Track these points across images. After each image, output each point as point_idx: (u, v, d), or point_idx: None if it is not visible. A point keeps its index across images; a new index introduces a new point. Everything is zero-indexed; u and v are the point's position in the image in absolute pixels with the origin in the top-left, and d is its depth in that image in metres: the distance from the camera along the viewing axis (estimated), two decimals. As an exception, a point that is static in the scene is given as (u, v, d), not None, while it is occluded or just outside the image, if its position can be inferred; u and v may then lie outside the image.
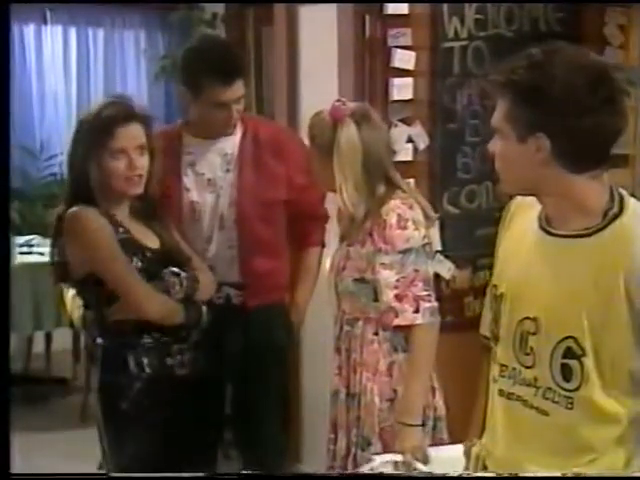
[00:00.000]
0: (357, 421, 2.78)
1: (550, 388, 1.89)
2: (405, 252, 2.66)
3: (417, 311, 2.66)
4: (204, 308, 2.88)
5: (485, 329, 2.14)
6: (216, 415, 3.24)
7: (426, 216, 2.76)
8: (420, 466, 2.53)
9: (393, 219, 2.67)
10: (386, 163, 2.80)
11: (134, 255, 2.74)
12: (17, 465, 2.33)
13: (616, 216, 1.86)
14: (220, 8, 5.89)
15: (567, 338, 1.85)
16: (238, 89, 3.06)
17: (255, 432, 3.27)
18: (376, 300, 2.73)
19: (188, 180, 3.14)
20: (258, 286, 3.17)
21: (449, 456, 2.48)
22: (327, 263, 3.32)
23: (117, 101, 2.83)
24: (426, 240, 2.72)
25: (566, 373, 1.87)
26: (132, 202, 2.84)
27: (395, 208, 2.69)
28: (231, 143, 3.15)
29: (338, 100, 2.87)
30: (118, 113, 2.75)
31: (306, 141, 2.96)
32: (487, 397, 2.10)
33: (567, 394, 1.87)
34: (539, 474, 1.91)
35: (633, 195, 1.94)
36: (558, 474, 1.90)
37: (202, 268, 2.95)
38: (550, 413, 1.90)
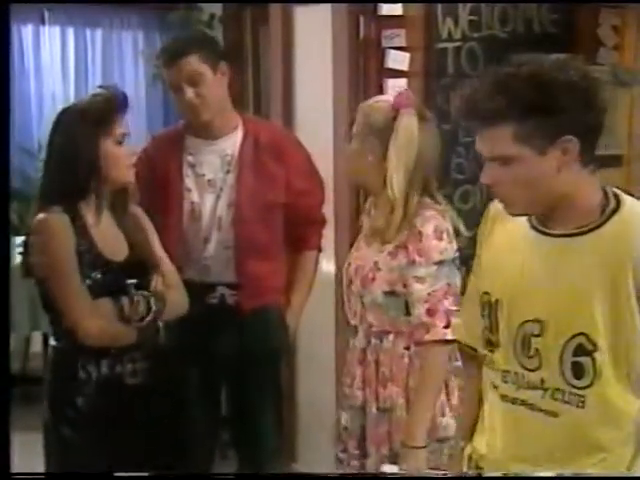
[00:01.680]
0: (388, 436, 2.69)
1: (559, 389, 1.89)
2: (439, 264, 2.59)
3: (447, 326, 2.56)
4: (160, 325, 2.76)
5: (469, 337, 2.14)
6: (195, 419, 3.20)
7: (456, 231, 2.68)
8: None
9: (430, 230, 2.59)
10: (431, 169, 2.72)
11: (94, 269, 2.68)
12: (17, 465, 2.33)
13: (614, 211, 1.88)
14: (218, 9, 5.89)
15: (577, 335, 1.86)
16: (182, 68, 3.04)
17: (250, 432, 3.28)
18: (408, 314, 2.64)
19: (189, 180, 3.16)
20: (253, 288, 3.17)
21: None
22: (325, 266, 3.31)
23: (112, 91, 2.80)
24: (457, 253, 2.65)
25: (577, 371, 1.87)
26: (112, 198, 2.78)
27: (431, 218, 2.62)
28: (232, 144, 3.17)
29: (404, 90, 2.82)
30: (119, 100, 2.75)
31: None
32: (477, 402, 2.12)
33: (578, 392, 1.88)
34: (538, 474, 1.92)
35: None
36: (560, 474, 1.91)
37: (174, 284, 2.86)
38: (560, 414, 1.90)
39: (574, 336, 1.86)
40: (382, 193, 2.67)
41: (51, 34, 6.71)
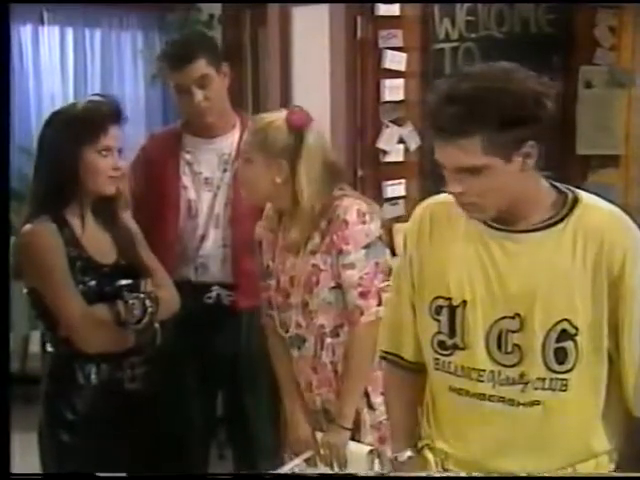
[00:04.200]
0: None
1: (540, 378, 1.90)
2: (367, 247, 2.61)
3: (380, 304, 2.60)
4: (157, 327, 2.76)
5: (402, 348, 2.13)
6: (194, 421, 3.22)
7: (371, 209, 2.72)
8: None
9: (354, 216, 2.61)
10: (339, 165, 2.79)
11: (87, 274, 2.68)
12: (17, 465, 2.33)
13: (575, 201, 1.92)
14: (217, 9, 5.91)
15: (560, 322, 1.87)
16: (191, 71, 3.05)
17: (246, 432, 3.28)
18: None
19: (186, 178, 3.17)
20: (249, 287, 3.16)
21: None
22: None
23: (107, 100, 2.78)
24: (381, 230, 2.68)
25: (560, 356, 1.88)
26: (96, 205, 2.76)
27: (351, 205, 2.63)
28: (229, 143, 3.18)
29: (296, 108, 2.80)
30: (111, 111, 2.72)
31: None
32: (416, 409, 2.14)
33: (561, 377, 1.89)
34: (537, 474, 1.93)
35: (625, 195, 1.98)
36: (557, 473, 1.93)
37: (164, 284, 2.86)
38: (542, 402, 1.91)
39: (556, 323, 1.88)
40: (295, 207, 2.68)
41: (50, 34, 6.71)
